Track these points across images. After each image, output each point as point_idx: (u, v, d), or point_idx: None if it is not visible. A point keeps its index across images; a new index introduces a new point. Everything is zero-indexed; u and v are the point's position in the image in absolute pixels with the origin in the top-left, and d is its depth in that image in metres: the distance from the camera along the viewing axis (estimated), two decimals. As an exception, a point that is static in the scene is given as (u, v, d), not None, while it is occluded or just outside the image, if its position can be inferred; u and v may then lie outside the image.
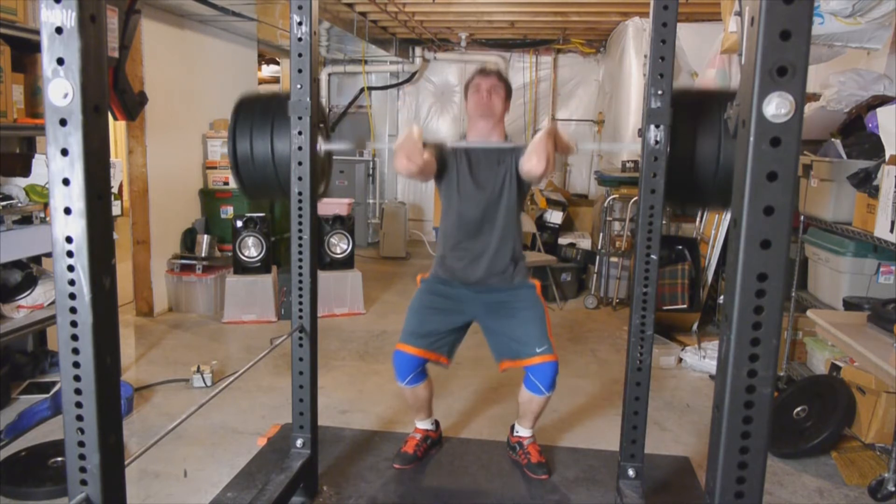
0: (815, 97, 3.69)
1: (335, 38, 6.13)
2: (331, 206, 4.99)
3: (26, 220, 2.94)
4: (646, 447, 2.22)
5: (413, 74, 7.68)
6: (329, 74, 7.77)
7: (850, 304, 3.13)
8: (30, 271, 3.11)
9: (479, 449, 2.79)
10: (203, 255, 4.86)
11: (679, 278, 4.44)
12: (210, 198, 5.26)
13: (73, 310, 1.06)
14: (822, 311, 3.14)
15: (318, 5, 2.14)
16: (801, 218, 3.45)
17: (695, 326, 4.40)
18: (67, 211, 1.04)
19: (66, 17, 0.99)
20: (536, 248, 5.57)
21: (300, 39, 2.10)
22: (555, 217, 6.02)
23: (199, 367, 3.45)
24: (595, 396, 3.48)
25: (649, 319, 2.10)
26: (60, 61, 1.00)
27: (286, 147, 2.11)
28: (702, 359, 3.88)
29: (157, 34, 4.63)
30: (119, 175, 4.06)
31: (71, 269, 1.05)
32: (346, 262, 4.94)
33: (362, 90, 7.77)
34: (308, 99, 2.09)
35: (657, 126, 1.97)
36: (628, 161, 5.29)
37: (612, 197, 5.26)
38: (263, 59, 8.06)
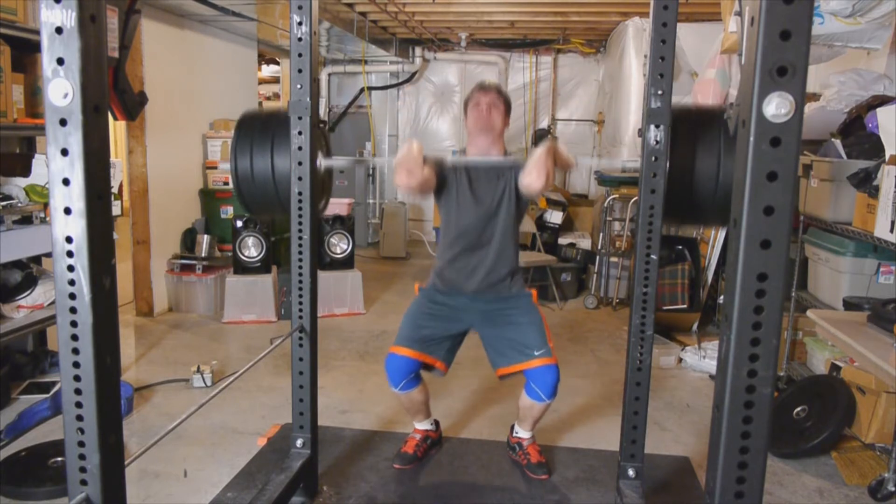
0: (815, 97, 3.69)
1: (335, 38, 6.13)
2: (331, 206, 4.92)
3: (26, 220, 2.94)
4: (646, 447, 2.22)
5: (413, 74, 7.68)
6: (329, 74, 7.77)
7: (850, 304, 3.13)
8: (30, 271, 3.11)
9: (479, 449, 2.79)
10: (203, 255, 4.86)
11: (679, 278, 4.44)
12: (210, 198, 5.26)
13: (73, 310, 1.06)
14: (822, 311, 3.14)
15: (318, 5, 2.15)
16: (801, 218, 3.45)
17: (695, 326, 4.40)
18: (67, 211, 1.04)
19: (66, 17, 0.99)
20: (536, 248, 5.57)
21: (300, 39, 2.10)
22: (555, 217, 6.01)
23: (199, 367, 3.45)
24: (595, 396, 3.48)
25: (649, 319, 2.10)
26: (60, 61, 1.00)
27: (286, 164, 2.12)
28: (702, 359, 3.88)
29: (157, 34, 4.63)
30: (119, 175, 4.06)
31: (71, 269, 1.05)
32: (346, 262, 4.94)
33: (362, 90, 7.77)
34: (308, 99, 2.09)
35: (657, 126, 1.97)
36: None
37: (612, 197, 5.27)
38: (263, 59, 8.06)
